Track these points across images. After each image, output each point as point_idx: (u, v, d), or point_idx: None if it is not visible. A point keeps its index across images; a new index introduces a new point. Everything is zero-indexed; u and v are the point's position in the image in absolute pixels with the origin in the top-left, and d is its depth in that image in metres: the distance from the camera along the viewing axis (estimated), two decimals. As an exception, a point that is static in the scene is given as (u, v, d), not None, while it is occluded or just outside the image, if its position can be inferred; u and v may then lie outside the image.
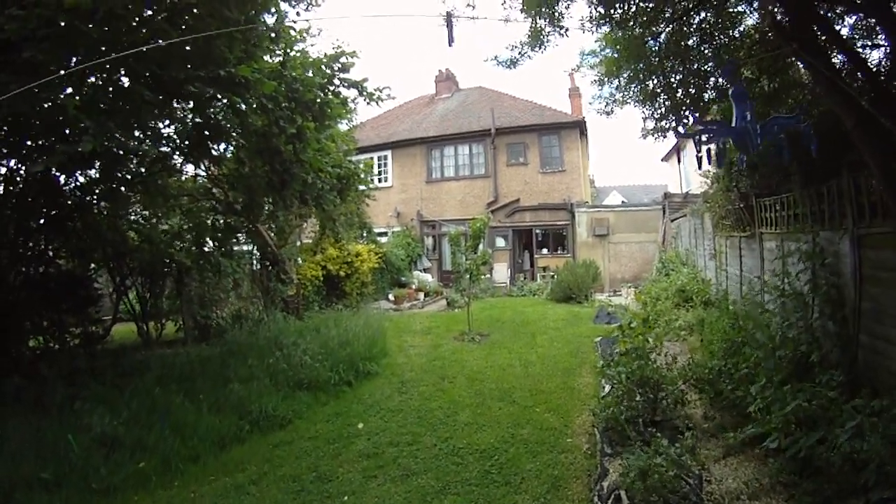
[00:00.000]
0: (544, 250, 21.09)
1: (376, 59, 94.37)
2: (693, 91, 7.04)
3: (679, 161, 25.81)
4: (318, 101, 6.80)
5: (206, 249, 9.89)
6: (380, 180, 23.65)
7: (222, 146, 8.33)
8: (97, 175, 8.37)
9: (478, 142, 21.95)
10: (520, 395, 7.10)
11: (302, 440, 6.07)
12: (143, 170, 8.23)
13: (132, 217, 10.43)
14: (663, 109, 7.44)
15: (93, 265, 10.32)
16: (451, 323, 12.79)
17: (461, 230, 13.30)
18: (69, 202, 8.41)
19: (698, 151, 4.79)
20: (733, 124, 4.64)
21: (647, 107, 7.51)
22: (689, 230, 13.98)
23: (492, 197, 21.28)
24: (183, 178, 9.74)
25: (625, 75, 7.22)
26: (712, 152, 4.84)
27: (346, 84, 7.28)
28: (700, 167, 7.48)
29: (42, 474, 4.77)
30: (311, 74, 6.78)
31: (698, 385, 6.25)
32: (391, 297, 17.68)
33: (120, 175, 8.10)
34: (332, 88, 7.15)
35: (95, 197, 8.62)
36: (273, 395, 7.07)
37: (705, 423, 5.58)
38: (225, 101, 6.26)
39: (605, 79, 7.21)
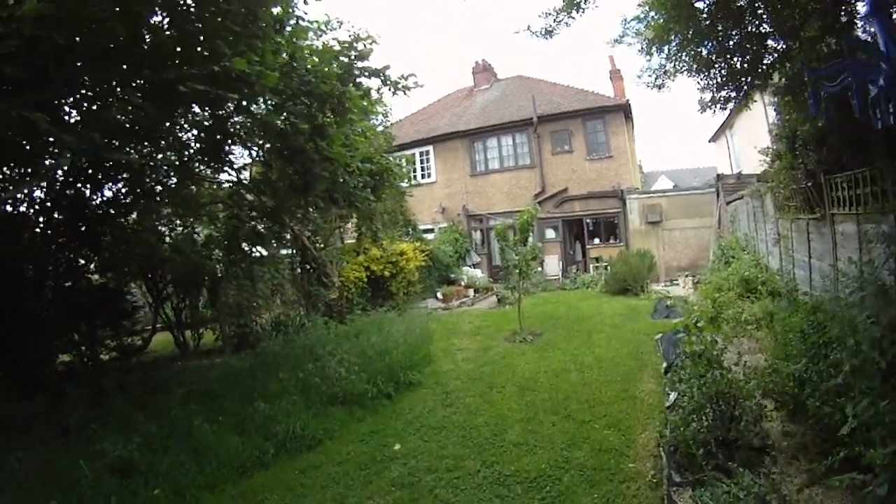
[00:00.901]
0: (596, 240, 20.15)
1: (405, 54, 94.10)
2: (750, 56, 6.11)
3: (728, 141, 24.21)
4: (337, 93, 6.16)
5: (234, 257, 9.51)
6: (423, 176, 23.18)
7: (247, 150, 7.86)
8: (124, 188, 8.13)
9: (520, 131, 21.10)
10: (575, 406, 6.31)
11: (331, 464, 5.47)
12: (171, 180, 7.91)
13: (162, 228, 10.16)
14: (720, 78, 6.51)
15: (127, 278, 10.17)
16: (501, 321, 12.05)
17: (508, 223, 12.54)
18: (97, 215, 8.17)
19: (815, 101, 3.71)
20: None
21: (703, 76, 6.62)
22: (748, 213, 12.78)
23: (539, 187, 20.39)
24: (215, 186, 9.35)
25: (674, 42, 6.34)
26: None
27: (366, 73, 6.63)
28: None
29: (50, 504, 4.34)
30: (324, 66, 6.15)
31: (776, 396, 5.30)
32: (439, 295, 17.07)
33: (143, 187, 7.82)
34: (351, 79, 6.51)
35: (123, 209, 8.37)
36: (303, 412, 6.47)
37: (784, 440, 4.69)
38: (236, 101, 5.69)
39: (654, 46, 6.35)
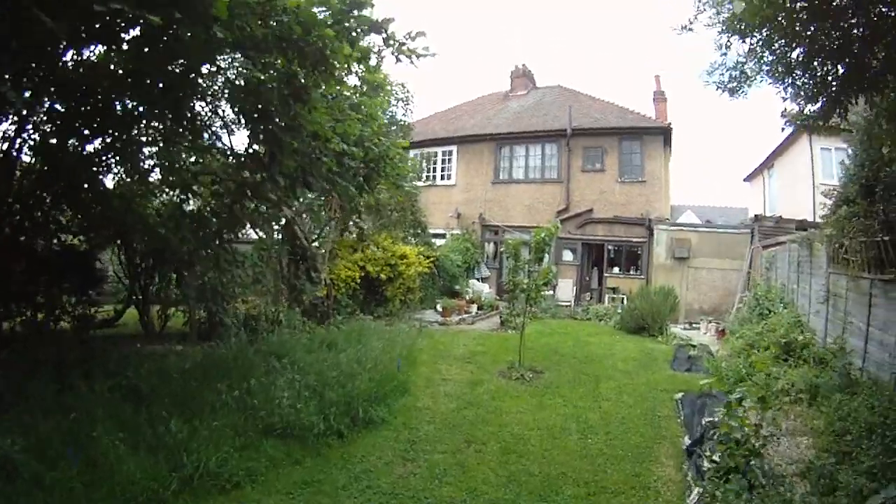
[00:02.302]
0: (615, 269, 18.67)
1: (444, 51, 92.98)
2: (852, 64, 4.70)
3: (765, 182, 22.65)
4: (319, 43, 4.79)
5: (203, 235, 8.14)
6: (442, 177, 21.90)
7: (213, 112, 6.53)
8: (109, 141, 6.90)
9: (551, 142, 19.67)
10: (571, 492, 4.83)
11: (236, 526, 4.09)
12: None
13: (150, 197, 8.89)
14: (809, 87, 5.07)
15: (100, 242, 9.08)
16: (500, 349, 10.59)
17: (522, 239, 11.10)
18: (78, 169, 6.99)
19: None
20: None
21: (790, 84, 5.17)
22: (790, 262, 11.10)
23: (563, 204, 18.97)
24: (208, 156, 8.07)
25: (760, 34, 4.90)
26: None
27: (363, 27, 5.22)
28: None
29: None
30: (308, 7, 4.77)
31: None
32: (439, 307, 15.59)
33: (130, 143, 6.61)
34: (344, 32, 5.12)
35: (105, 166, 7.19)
36: (228, 441, 5.13)
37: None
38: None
39: (738, 30, 4.86)
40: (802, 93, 5.05)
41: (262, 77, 4.98)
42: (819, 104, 4.95)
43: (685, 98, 75.79)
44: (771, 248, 13.58)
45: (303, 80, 5.24)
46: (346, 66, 5.50)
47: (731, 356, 9.17)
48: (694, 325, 14.90)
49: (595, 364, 9.64)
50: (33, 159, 6.95)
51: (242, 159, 6.47)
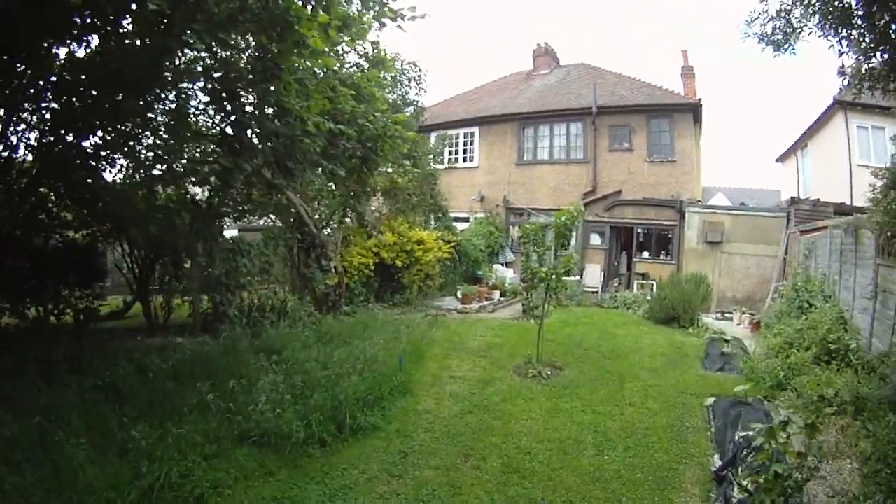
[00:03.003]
0: (645, 254, 17.72)
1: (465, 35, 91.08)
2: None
3: (798, 162, 21.55)
4: (276, 9, 4.10)
5: (197, 226, 7.63)
6: (464, 159, 21.26)
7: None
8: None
9: (577, 121, 18.74)
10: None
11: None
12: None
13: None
14: (869, 40, 4.22)
15: (103, 236, 9.05)
16: (519, 340, 9.86)
17: (541, 223, 10.32)
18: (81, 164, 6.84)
19: None
20: None
21: (843, 37, 4.32)
22: (831, 250, 9.97)
23: (589, 186, 18.08)
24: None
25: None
26: None
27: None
28: None
29: None
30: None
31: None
32: (460, 294, 14.92)
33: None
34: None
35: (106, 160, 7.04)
36: (197, 448, 4.63)
37: None
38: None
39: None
40: (860, 46, 4.18)
41: (225, 55, 4.35)
42: (881, 58, 4.08)
43: (714, 76, 72.94)
44: (810, 234, 12.45)
45: (273, 55, 4.59)
46: (324, 35, 4.81)
47: (767, 355, 8.28)
48: (727, 315, 13.98)
49: (620, 360, 8.87)
50: (30, 156, 6.79)
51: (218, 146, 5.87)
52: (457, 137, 21.28)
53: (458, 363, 8.43)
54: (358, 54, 7.62)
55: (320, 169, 5.97)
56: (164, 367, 6.19)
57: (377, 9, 4.72)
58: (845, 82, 4.73)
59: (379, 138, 6.91)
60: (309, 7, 4.29)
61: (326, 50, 5.31)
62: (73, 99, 5.76)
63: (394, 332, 8.80)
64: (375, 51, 7.30)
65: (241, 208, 8.79)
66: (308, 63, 5.37)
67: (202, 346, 7.13)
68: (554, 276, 8.62)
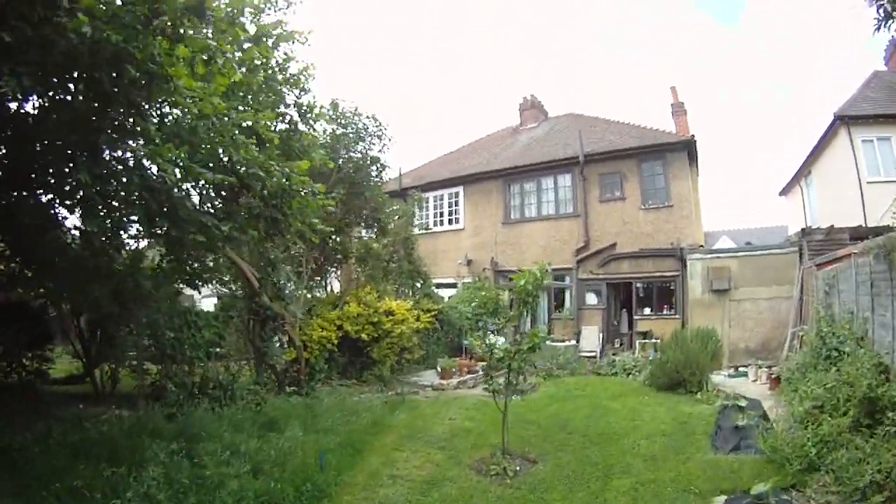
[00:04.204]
0: (646, 310, 16.26)
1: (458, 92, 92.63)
2: None
3: (803, 192, 20.39)
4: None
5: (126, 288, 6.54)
6: (450, 221, 20.28)
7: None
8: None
9: (564, 173, 17.77)
10: None
11: None
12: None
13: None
14: None
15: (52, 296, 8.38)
16: (492, 424, 8.05)
17: (494, 291, 9.09)
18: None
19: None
20: None
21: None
22: (857, 281, 8.42)
23: (581, 241, 16.92)
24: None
25: None
26: None
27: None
28: None
29: None
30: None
31: None
32: (440, 367, 13.45)
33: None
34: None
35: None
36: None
37: None
38: None
39: None
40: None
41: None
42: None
43: (706, 118, 73.09)
44: (828, 267, 10.89)
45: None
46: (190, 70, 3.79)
47: (791, 424, 6.77)
48: (741, 370, 12.31)
49: (610, 445, 7.28)
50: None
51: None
52: (440, 199, 20.36)
53: (409, 456, 6.91)
54: (284, 105, 6.62)
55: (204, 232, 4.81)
56: (69, 441, 5.67)
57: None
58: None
59: (284, 193, 5.69)
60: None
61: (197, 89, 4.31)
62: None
63: (341, 417, 7.42)
64: (305, 97, 6.42)
65: (188, 273, 7.75)
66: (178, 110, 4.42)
67: (111, 424, 6.51)
68: (516, 354, 7.26)
